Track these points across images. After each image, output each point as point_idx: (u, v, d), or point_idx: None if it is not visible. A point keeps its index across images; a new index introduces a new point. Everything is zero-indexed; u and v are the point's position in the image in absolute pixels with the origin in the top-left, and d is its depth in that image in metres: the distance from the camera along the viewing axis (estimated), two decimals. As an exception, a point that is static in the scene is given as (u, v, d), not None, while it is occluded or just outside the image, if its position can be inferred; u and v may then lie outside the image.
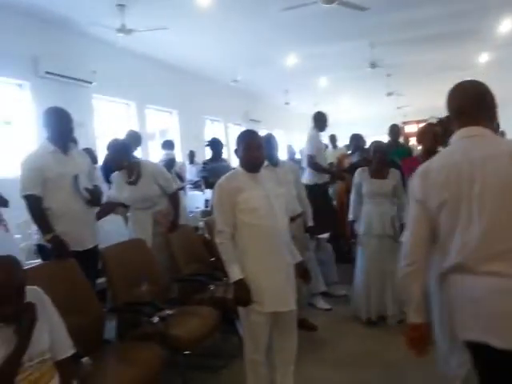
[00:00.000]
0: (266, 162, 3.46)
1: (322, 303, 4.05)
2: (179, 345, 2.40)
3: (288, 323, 2.32)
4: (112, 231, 3.71)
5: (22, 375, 1.59)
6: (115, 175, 3.47)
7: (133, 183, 3.36)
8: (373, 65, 8.79)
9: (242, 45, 8.16)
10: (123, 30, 6.06)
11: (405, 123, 17.55)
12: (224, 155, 5.78)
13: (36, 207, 2.71)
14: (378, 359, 3.04)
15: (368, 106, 16.52)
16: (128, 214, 3.66)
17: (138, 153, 5.10)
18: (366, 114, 17.59)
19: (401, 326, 3.44)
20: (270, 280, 2.20)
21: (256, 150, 2.30)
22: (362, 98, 14.88)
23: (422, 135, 3.83)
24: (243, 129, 2.78)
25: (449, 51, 9.49)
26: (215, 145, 5.43)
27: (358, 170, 3.74)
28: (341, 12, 5.82)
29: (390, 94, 12.20)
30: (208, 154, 5.63)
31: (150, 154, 8.14)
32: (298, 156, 9.35)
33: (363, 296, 3.63)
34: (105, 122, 7.83)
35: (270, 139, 3.58)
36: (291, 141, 12.78)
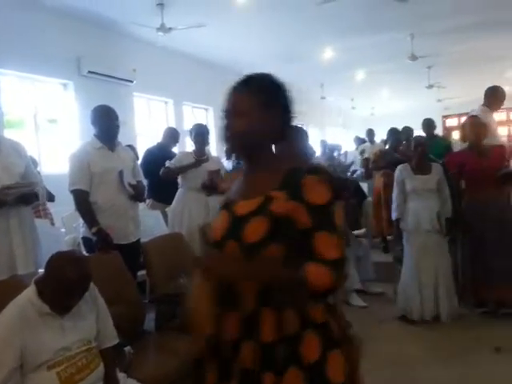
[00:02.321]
0: None
1: (357, 300, 4.02)
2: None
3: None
4: (153, 225, 3.84)
5: (70, 361, 1.69)
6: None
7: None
8: (413, 56, 8.53)
9: (279, 39, 8.14)
10: (163, 28, 6.20)
11: (445, 117, 16.99)
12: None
13: (83, 201, 2.83)
14: (414, 362, 2.98)
15: (407, 99, 16.06)
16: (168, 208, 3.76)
17: (175, 149, 5.24)
18: (404, 107, 17.10)
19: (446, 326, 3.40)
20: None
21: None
22: (400, 91, 14.49)
23: (465, 129, 3.73)
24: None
25: (492, 41, 9.06)
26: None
27: (400, 167, 3.65)
28: (380, 2, 5.71)
29: (430, 87, 11.81)
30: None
31: (187, 149, 8.29)
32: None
33: (416, 295, 3.50)
34: (145, 120, 8.05)
35: (300, 132, 3.59)
36: (325, 136, 12.65)
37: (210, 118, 9.66)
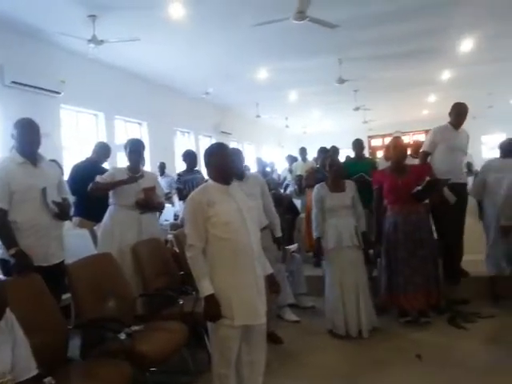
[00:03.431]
0: None
1: (290, 315, 4.07)
2: (146, 361, 2.36)
3: (258, 336, 2.33)
4: (79, 245, 3.63)
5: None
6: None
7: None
8: (340, 80, 9.02)
9: (214, 58, 8.22)
10: (94, 40, 6.01)
11: (370, 137, 18.09)
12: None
13: (1, 220, 2.63)
14: (347, 373, 3.07)
15: (336, 119, 16.90)
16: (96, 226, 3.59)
17: (106, 165, 5.05)
18: (334, 127, 17.98)
19: (371, 337, 3.55)
20: (241, 293, 2.22)
21: (231, 160, 2.35)
22: (330, 112, 15.22)
23: (389, 149, 4.00)
24: (214, 141, 2.82)
25: (413, 68, 9.87)
26: (190, 156, 5.43)
27: (318, 186, 3.78)
28: (311, 28, 5.97)
29: (357, 109, 12.55)
30: (182, 165, 5.63)
31: (119, 165, 8.02)
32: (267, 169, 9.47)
33: (340, 311, 3.60)
34: (72, 133, 7.68)
35: (237, 152, 3.64)
36: (260, 154, 12.91)
37: (144, 132, 9.46)
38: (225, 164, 2.33)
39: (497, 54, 9.00)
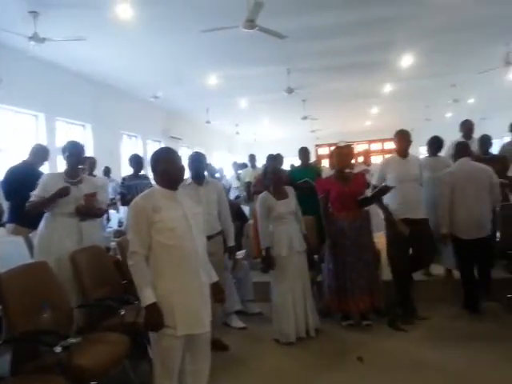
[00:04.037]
0: (189, 180, 3.52)
1: (236, 322, 4.06)
2: (84, 375, 2.25)
3: (202, 345, 2.30)
4: (13, 253, 3.41)
5: None
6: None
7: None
8: (289, 89, 9.21)
9: (163, 61, 8.11)
10: (35, 38, 5.72)
11: (318, 146, 18.62)
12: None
13: None
14: (294, 377, 3.11)
15: (285, 128, 17.24)
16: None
17: (44, 168, 4.79)
18: (284, 135, 18.31)
19: (316, 342, 3.61)
20: (185, 302, 2.18)
21: (178, 166, 2.31)
22: (279, 120, 15.49)
23: (333, 158, 4.11)
24: (163, 146, 2.77)
25: (358, 80, 10.29)
26: (136, 161, 5.28)
27: (263, 195, 3.76)
28: (260, 38, 6.04)
29: (304, 118, 12.87)
30: (129, 170, 5.48)
31: (59, 169, 7.65)
32: (217, 175, 9.43)
33: (291, 319, 3.61)
34: (10, 134, 7.24)
35: (199, 157, 3.62)
36: (211, 159, 12.84)
37: (88, 135, 9.11)
38: (171, 169, 2.29)
39: (434, 70, 9.60)
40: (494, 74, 8.79)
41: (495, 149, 6.02)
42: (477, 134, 5.30)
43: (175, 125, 12.76)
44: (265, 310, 4.25)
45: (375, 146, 20.33)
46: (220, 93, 10.46)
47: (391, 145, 20.55)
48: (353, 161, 6.09)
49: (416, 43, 7.83)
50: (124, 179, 5.24)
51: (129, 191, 4.93)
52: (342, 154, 4.01)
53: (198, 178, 3.50)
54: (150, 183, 5.10)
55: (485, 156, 4.84)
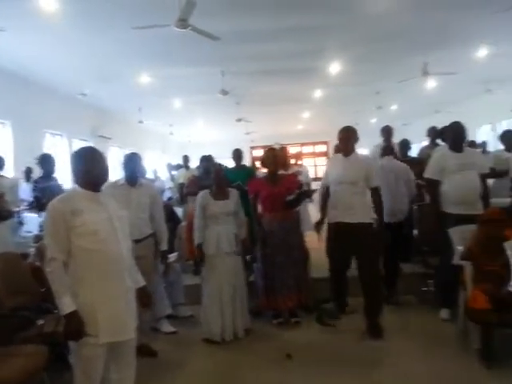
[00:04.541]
0: (122, 180, 3.39)
1: (166, 327, 3.97)
2: (-5, 392, 2.08)
3: (126, 352, 2.22)
4: None
5: None
6: None
7: None
8: (223, 91, 9.22)
9: (91, 57, 7.75)
10: None
11: (252, 148, 18.88)
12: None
13: None
14: (222, 378, 3.11)
15: (221, 129, 17.25)
16: None
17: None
18: (219, 137, 18.31)
19: (247, 341, 3.63)
20: (109, 308, 2.09)
21: (101, 166, 2.21)
22: (214, 121, 15.46)
23: (264, 159, 4.17)
24: (90, 145, 2.63)
25: (290, 85, 10.56)
26: (46, 161, 4.93)
27: (201, 194, 3.82)
28: (194, 38, 5.98)
29: (239, 120, 12.98)
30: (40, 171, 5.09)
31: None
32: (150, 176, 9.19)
33: (218, 319, 3.63)
34: None
35: (133, 157, 3.53)
36: (144, 160, 12.46)
37: (8, 133, 8.46)
38: (93, 170, 2.19)
39: (360, 77, 10.12)
40: (414, 83, 9.46)
41: (415, 152, 6.50)
42: (399, 139, 5.69)
43: (105, 124, 12.23)
44: (197, 312, 4.20)
45: (307, 149, 21.13)
46: (153, 92, 10.22)
47: (323, 147, 21.44)
48: (293, 161, 6.26)
49: (344, 51, 8.20)
50: (36, 182, 4.88)
51: (43, 194, 4.60)
52: (274, 155, 4.10)
53: (131, 179, 3.41)
54: (60, 185, 4.82)
55: (405, 158, 5.18)
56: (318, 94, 11.79)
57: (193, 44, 6.72)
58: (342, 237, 3.65)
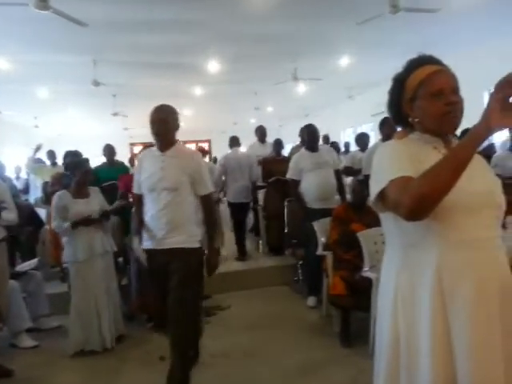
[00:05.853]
0: None
1: (26, 341, 3.58)
2: None
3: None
4: None
5: None
6: None
7: None
8: (95, 82, 8.61)
9: None
10: None
11: (132, 144, 18.09)
12: None
13: None
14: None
15: (96, 124, 16.14)
16: None
17: None
18: (94, 131, 17.11)
19: (120, 347, 3.45)
20: None
21: None
22: (88, 115, 14.41)
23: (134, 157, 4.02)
24: None
25: (169, 80, 10.32)
26: None
27: (59, 194, 3.50)
28: (59, 22, 5.45)
29: (115, 114, 12.26)
30: None
31: None
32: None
33: (95, 326, 3.39)
34: None
35: None
36: (2, 156, 11.13)
37: None
38: None
39: (237, 77, 10.33)
40: (287, 87, 10.01)
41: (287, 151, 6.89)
42: (274, 138, 6.00)
43: None
44: (64, 322, 3.86)
45: (190, 147, 20.91)
46: (13, 79, 9.10)
47: (205, 146, 21.45)
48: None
49: (221, 49, 8.26)
50: None
51: None
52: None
53: None
54: None
55: (277, 157, 5.45)
56: (198, 91, 11.74)
57: (59, 29, 6.12)
58: None
